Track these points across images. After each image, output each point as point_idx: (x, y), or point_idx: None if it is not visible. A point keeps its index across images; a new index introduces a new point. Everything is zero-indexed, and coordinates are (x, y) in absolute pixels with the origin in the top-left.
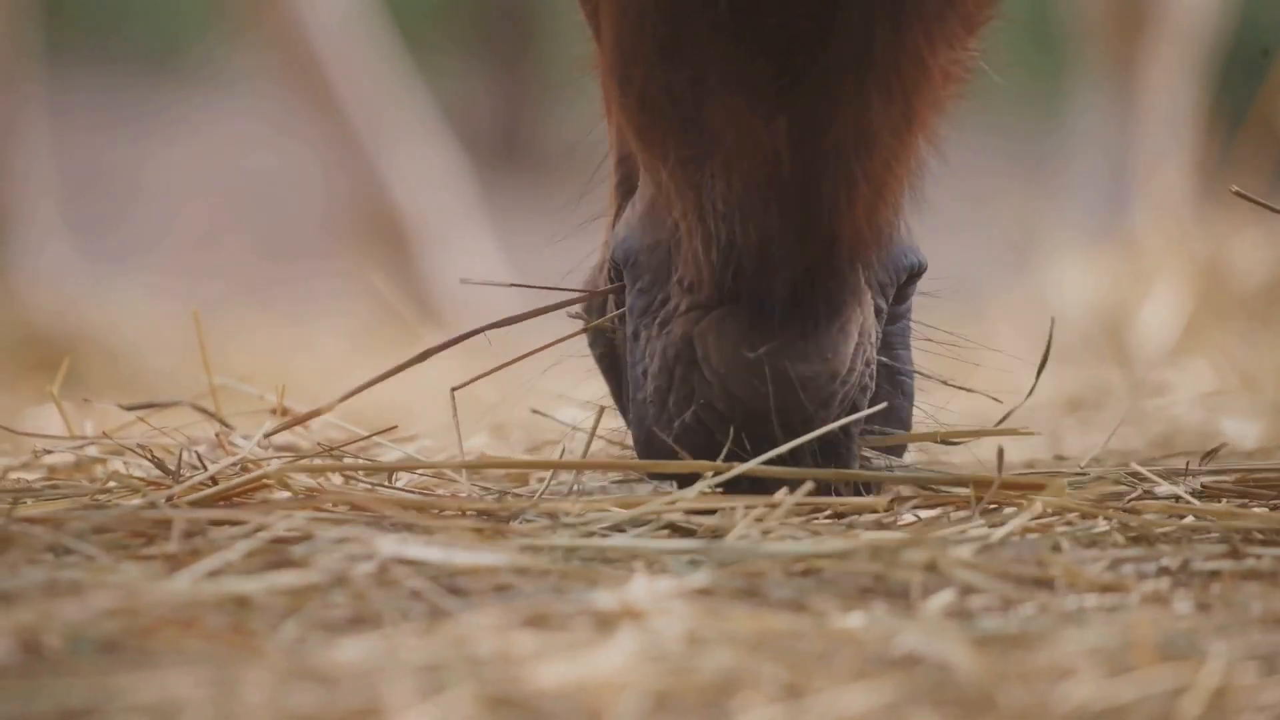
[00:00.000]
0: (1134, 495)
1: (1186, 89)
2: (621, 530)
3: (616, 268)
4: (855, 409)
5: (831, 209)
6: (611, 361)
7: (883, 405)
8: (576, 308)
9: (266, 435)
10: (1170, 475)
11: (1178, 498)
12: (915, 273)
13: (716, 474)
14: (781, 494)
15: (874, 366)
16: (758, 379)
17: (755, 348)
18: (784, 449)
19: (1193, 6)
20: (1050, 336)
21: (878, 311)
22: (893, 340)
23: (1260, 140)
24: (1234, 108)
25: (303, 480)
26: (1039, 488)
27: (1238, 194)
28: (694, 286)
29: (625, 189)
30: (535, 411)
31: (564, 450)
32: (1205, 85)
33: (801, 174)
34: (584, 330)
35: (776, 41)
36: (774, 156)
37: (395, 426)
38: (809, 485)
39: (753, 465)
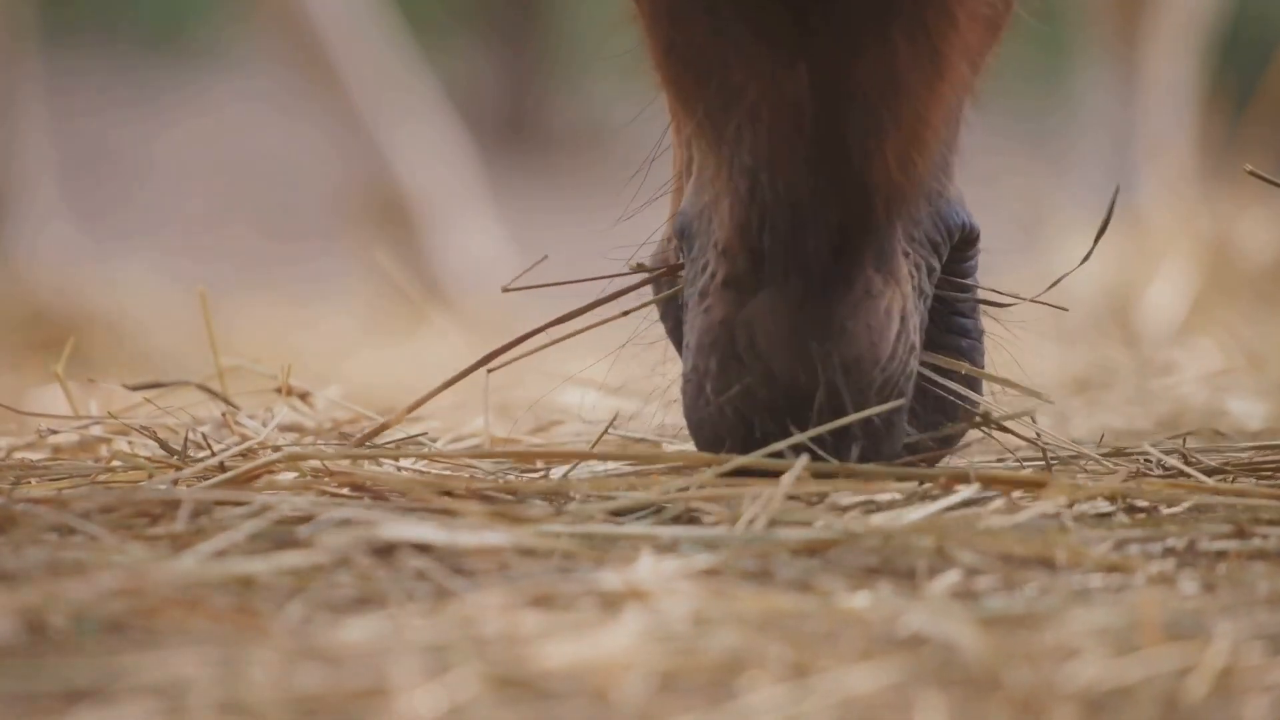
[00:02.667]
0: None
1: (1191, 67)
2: (628, 514)
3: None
4: (899, 395)
5: (860, 158)
6: (681, 334)
7: (901, 402)
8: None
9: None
10: (1174, 452)
11: (1182, 472)
12: (970, 235)
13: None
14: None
15: (917, 351)
16: (802, 363)
17: (799, 331)
18: (822, 429)
19: None
20: (1111, 204)
21: (929, 271)
22: (962, 308)
23: (1266, 119)
24: (1240, 86)
25: (311, 461)
26: (1040, 485)
27: (1251, 173)
28: (728, 250)
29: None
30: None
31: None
32: (1210, 63)
33: (825, 122)
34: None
35: None
36: (796, 105)
37: (396, 408)
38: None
39: (752, 459)
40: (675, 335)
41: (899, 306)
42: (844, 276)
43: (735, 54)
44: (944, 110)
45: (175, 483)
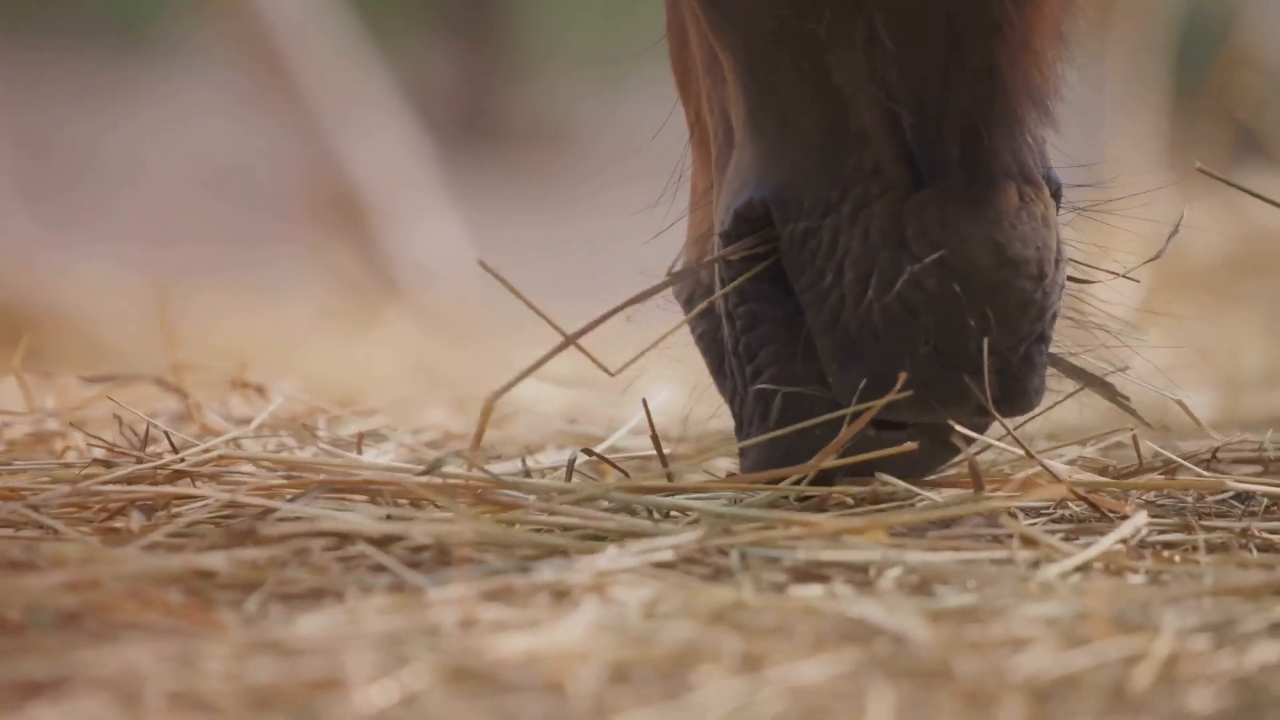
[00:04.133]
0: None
1: (1143, 63)
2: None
3: (746, 221)
4: (1044, 339)
5: (993, 34)
6: (712, 340)
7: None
8: (678, 297)
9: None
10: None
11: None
12: (1057, 190)
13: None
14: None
15: (1064, 282)
16: (978, 251)
17: (972, 216)
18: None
19: None
20: (1178, 227)
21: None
22: None
23: (1217, 114)
24: (1191, 82)
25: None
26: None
27: (1200, 170)
28: (880, 166)
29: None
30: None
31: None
32: (1161, 59)
33: (953, 6)
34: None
35: None
36: None
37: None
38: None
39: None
40: (705, 341)
41: (1052, 217)
42: (995, 178)
43: None
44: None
45: (132, 476)
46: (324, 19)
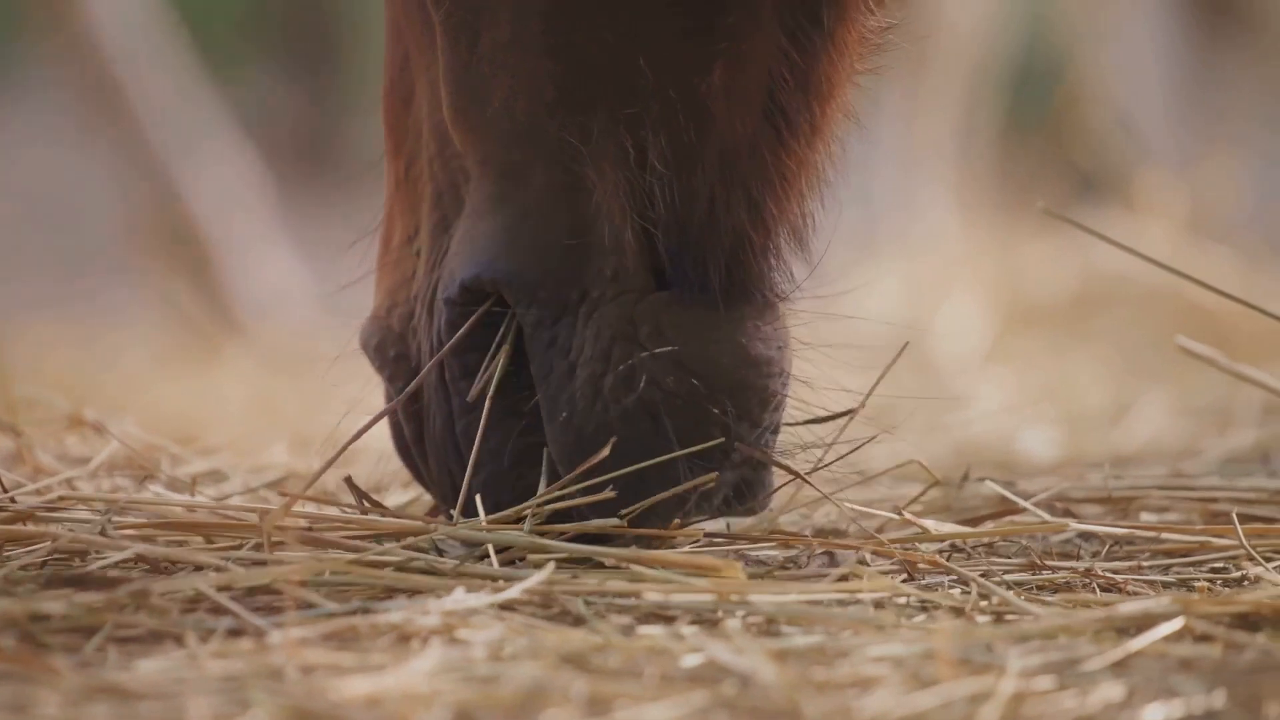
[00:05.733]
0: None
1: (979, 97)
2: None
3: (470, 292)
4: (777, 428)
5: (763, 166)
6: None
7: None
8: (365, 343)
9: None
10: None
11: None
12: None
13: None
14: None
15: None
16: (718, 351)
17: (709, 325)
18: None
19: (977, 20)
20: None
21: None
22: None
23: (1056, 153)
24: (1029, 121)
25: (100, 492)
26: (716, 569)
27: (1045, 211)
28: (619, 274)
29: (402, 219)
30: None
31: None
32: (998, 94)
33: (736, 125)
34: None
35: None
36: (709, 104)
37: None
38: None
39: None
40: (409, 434)
41: (787, 334)
42: (746, 293)
43: (655, 55)
44: (831, 126)
45: None
46: (162, 50)
